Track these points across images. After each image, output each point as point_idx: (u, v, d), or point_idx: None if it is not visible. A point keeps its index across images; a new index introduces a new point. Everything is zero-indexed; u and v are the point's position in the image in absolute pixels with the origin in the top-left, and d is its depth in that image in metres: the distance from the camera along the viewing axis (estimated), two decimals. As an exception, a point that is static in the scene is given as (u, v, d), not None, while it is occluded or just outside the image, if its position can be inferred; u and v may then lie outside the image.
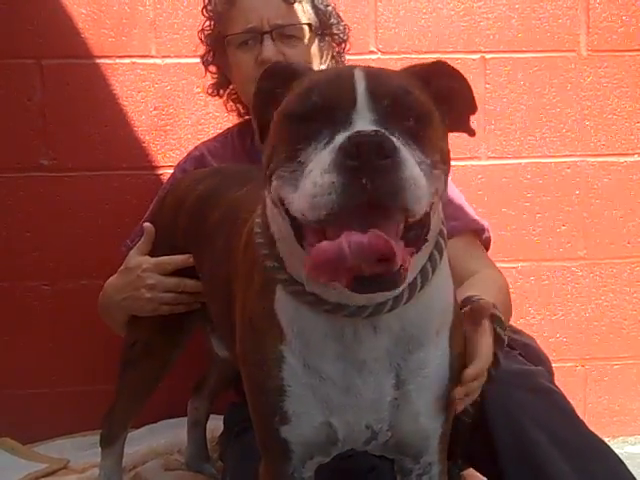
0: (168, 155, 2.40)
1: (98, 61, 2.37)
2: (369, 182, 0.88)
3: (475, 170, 2.47)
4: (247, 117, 2.04)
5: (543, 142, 2.49)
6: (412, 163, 0.92)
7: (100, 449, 1.89)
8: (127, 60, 2.38)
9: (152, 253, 1.76)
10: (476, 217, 1.83)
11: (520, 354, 1.63)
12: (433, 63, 1.12)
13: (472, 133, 1.15)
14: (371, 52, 2.43)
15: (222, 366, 2.05)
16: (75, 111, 2.37)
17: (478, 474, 1.74)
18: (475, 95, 1.13)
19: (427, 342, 1.15)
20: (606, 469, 1.37)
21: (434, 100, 1.07)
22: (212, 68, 2.02)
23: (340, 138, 0.92)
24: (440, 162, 1.01)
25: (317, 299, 1.09)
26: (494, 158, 2.48)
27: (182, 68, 2.37)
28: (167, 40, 2.37)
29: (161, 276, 1.70)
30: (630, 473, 1.39)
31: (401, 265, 0.91)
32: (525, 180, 2.50)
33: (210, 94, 2.07)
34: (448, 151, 1.07)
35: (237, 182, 1.59)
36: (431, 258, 1.12)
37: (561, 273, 2.54)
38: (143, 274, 1.72)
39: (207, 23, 1.96)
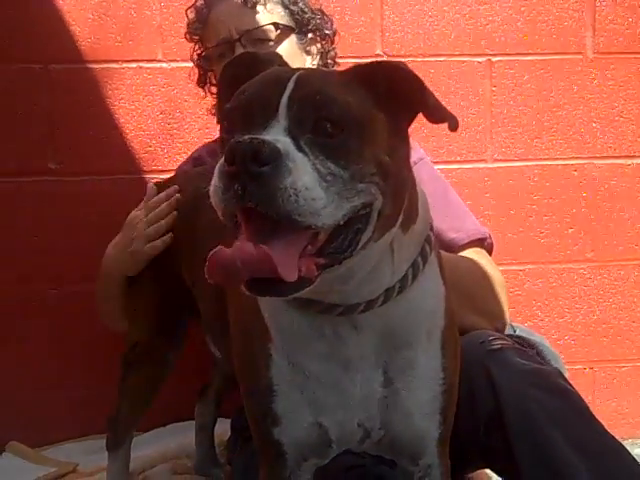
0: (175, 159, 2.40)
1: (105, 65, 2.38)
2: (240, 189, 0.87)
3: (482, 173, 2.47)
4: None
5: (550, 144, 2.49)
6: (302, 172, 0.88)
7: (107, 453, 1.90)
8: (134, 64, 2.39)
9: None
10: (477, 225, 1.85)
11: (537, 353, 1.64)
12: (371, 63, 1.05)
13: (433, 120, 1.03)
14: (377, 55, 2.42)
15: (224, 368, 2.06)
16: (82, 115, 2.38)
17: (487, 472, 1.75)
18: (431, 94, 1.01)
19: (415, 343, 1.16)
20: (622, 469, 1.36)
21: (378, 103, 1.00)
22: (213, 89, 2.04)
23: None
24: (373, 174, 0.95)
25: None
26: (500, 161, 2.48)
27: (188, 72, 2.36)
28: (173, 44, 2.38)
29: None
30: None
31: (301, 276, 0.90)
32: (532, 182, 2.50)
33: (213, 114, 2.07)
34: (399, 160, 1.01)
35: None
36: (414, 264, 1.12)
37: (568, 275, 2.54)
38: (137, 222, 1.81)
39: (195, 47, 2.01)
